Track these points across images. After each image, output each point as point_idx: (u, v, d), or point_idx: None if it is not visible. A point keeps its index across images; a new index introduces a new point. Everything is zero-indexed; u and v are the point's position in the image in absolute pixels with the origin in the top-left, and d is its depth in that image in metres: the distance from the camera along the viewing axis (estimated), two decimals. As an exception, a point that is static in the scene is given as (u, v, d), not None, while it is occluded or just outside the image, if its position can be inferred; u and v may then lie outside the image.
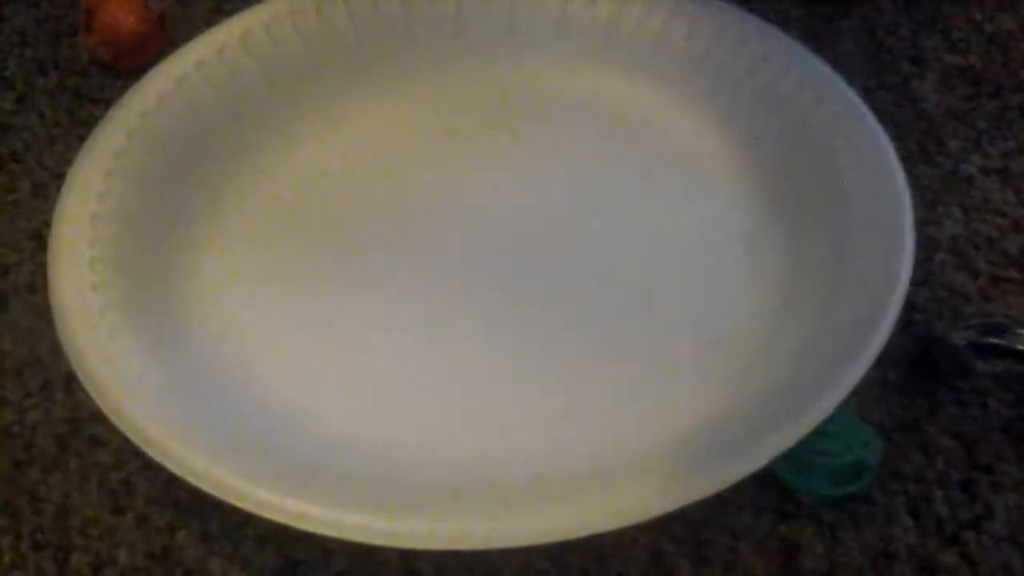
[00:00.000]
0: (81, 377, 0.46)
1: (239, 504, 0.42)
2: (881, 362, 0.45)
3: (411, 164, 0.55)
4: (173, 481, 0.46)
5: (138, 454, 0.45)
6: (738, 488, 0.42)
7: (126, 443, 0.45)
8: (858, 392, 0.44)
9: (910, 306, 0.50)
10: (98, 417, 0.47)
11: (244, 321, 0.50)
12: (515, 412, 0.47)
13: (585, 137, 0.55)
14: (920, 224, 0.49)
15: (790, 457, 0.44)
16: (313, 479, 0.43)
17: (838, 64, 0.53)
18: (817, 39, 0.59)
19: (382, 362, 0.49)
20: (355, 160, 0.55)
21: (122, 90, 0.54)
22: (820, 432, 0.43)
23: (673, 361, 0.48)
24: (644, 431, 0.45)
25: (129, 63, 0.59)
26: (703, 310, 0.49)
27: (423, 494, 0.43)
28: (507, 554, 0.44)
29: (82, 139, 0.52)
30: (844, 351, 0.44)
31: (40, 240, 0.54)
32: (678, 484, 0.42)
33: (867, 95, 0.55)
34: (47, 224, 0.50)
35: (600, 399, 0.47)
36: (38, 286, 0.52)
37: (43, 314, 0.51)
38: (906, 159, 0.50)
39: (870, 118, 0.51)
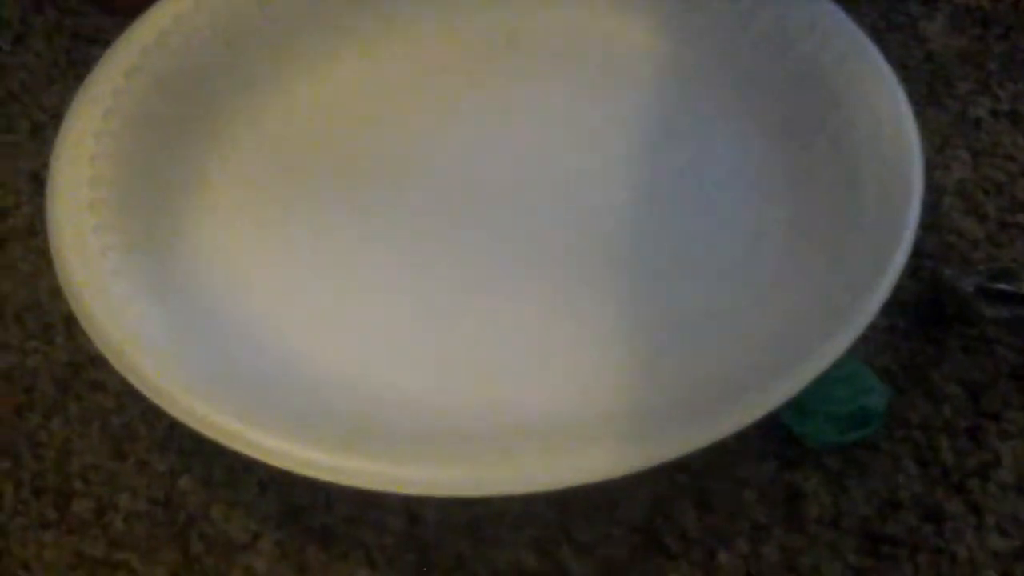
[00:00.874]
0: (81, 320, 0.45)
1: (241, 450, 0.42)
2: (888, 308, 0.45)
3: (408, 105, 0.54)
4: (175, 427, 0.46)
5: (139, 399, 0.44)
6: (742, 435, 0.42)
7: (127, 388, 0.44)
8: (865, 339, 0.44)
9: (917, 251, 0.49)
10: (99, 361, 0.47)
11: (246, 264, 0.49)
12: (517, 358, 0.46)
13: (582, 79, 0.54)
14: (928, 168, 0.49)
15: (795, 404, 0.44)
16: (316, 425, 0.43)
17: (846, 4, 0.53)
18: (825, -22, 0.58)
19: (385, 309, 0.48)
20: (353, 99, 0.54)
21: (119, 29, 0.53)
22: (826, 379, 0.43)
23: (675, 308, 0.47)
24: (645, 377, 0.45)
25: (126, 1, 0.58)
26: (706, 255, 0.49)
27: (426, 440, 0.43)
28: (510, 500, 0.44)
29: (80, 79, 0.52)
30: (850, 297, 0.44)
31: (39, 182, 0.53)
32: (681, 431, 0.41)
33: (875, 36, 0.55)
34: (45, 165, 0.50)
35: (600, 345, 0.47)
36: (37, 228, 0.52)
37: (43, 257, 0.50)
38: (914, 102, 0.49)
39: (879, 59, 0.50)
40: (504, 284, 0.48)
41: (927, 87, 0.55)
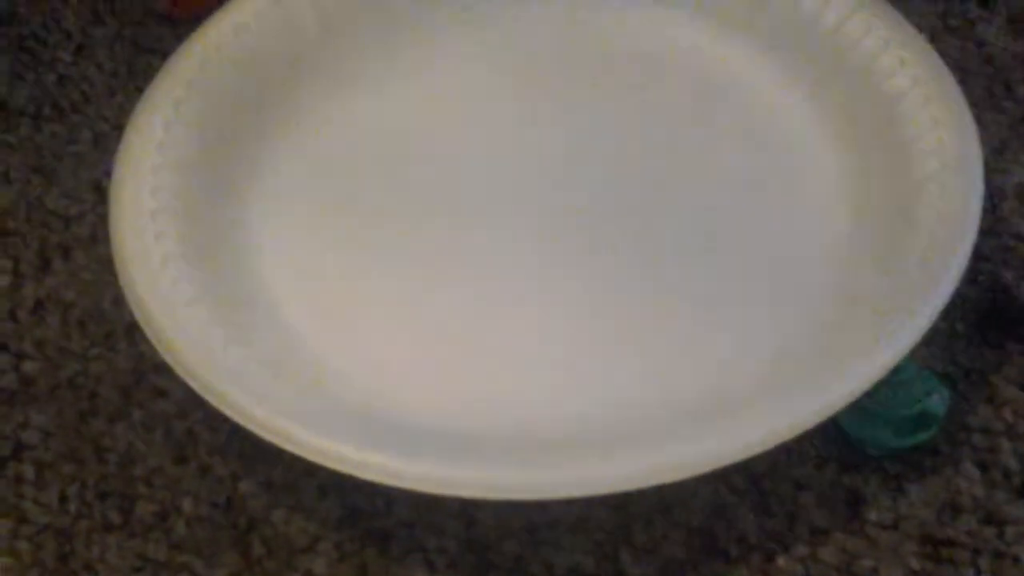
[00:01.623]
0: (144, 327, 0.46)
1: (301, 454, 0.43)
2: (948, 312, 0.44)
3: (477, 111, 0.54)
4: (236, 431, 0.46)
5: (201, 404, 0.45)
6: (802, 439, 0.42)
7: (189, 393, 0.45)
8: (924, 343, 0.44)
9: (976, 255, 0.49)
10: (161, 367, 0.47)
11: (307, 270, 0.50)
12: (576, 362, 0.47)
13: (646, 82, 0.54)
14: (987, 171, 0.48)
15: (855, 408, 0.43)
16: (375, 429, 0.44)
17: (904, 7, 0.52)
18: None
19: (444, 315, 0.48)
20: (417, 111, 0.54)
21: (179, 40, 0.54)
22: (885, 383, 0.43)
23: (732, 311, 0.47)
24: (703, 382, 0.45)
25: (186, 13, 0.58)
26: (765, 258, 0.49)
27: (486, 444, 0.43)
28: (568, 503, 0.44)
29: (140, 89, 0.53)
30: (910, 301, 0.44)
31: (101, 191, 0.54)
32: (740, 435, 0.42)
33: (933, 39, 0.54)
34: (108, 175, 0.50)
35: (656, 349, 0.47)
36: (100, 237, 0.53)
37: (106, 265, 0.51)
38: (973, 104, 0.49)
39: (938, 62, 0.50)
40: (561, 284, 0.49)
41: (985, 91, 0.55)
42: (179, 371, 0.45)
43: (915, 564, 0.43)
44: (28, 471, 0.47)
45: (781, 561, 0.43)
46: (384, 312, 0.48)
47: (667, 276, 0.49)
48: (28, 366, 0.49)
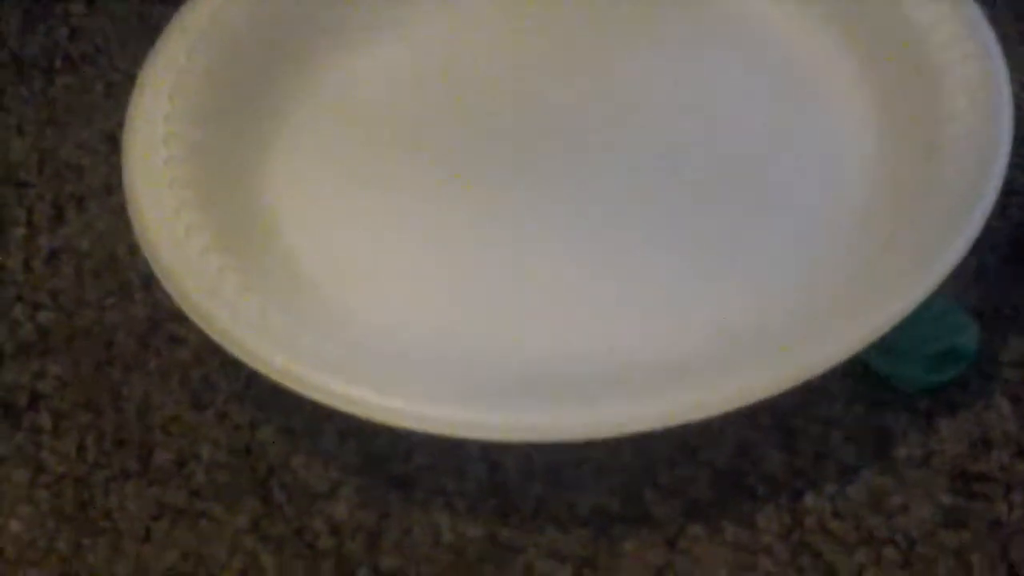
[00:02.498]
0: (159, 276, 0.45)
1: (320, 399, 0.42)
2: (977, 246, 0.43)
3: (501, 52, 0.53)
4: (254, 378, 0.46)
5: (218, 352, 0.44)
6: (829, 377, 0.41)
7: (206, 341, 0.44)
8: (954, 277, 0.43)
9: (1008, 189, 0.48)
10: (177, 316, 0.47)
11: (322, 217, 0.49)
12: (596, 302, 0.46)
13: (690, 38, 0.53)
14: (1018, 103, 0.47)
15: (883, 344, 0.43)
16: (394, 373, 0.43)
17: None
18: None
19: (464, 260, 0.48)
20: (439, 55, 0.54)
21: (192, -12, 0.53)
22: (915, 318, 0.42)
23: (757, 247, 0.46)
24: (728, 318, 0.44)
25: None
26: (790, 193, 0.48)
27: (507, 386, 0.42)
28: (592, 445, 0.44)
29: (153, 40, 0.52)
30: (940, 234, 0.43)
31: (114, 141, 0.53)
32: (766, 372, 0.41)
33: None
34: (121, 125, 0.50)
35: (680, 285, 0.46)
36: (114, 187, 0.52)
37: (120, 215, 0.50)
38: (1002, 38, 0.48)
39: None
40: (579, 223, 0.48)
41: (1015, 24, 0.54)
42: (195, 319, 0.44)
43: (946, 500, 0.42)
44: (45, 421, 0.46)
45: (809, 500, 0.43)
46: (401, 259, 0.48)
47: (691, 213, 0.48)
48: (43, 316, 0.49)
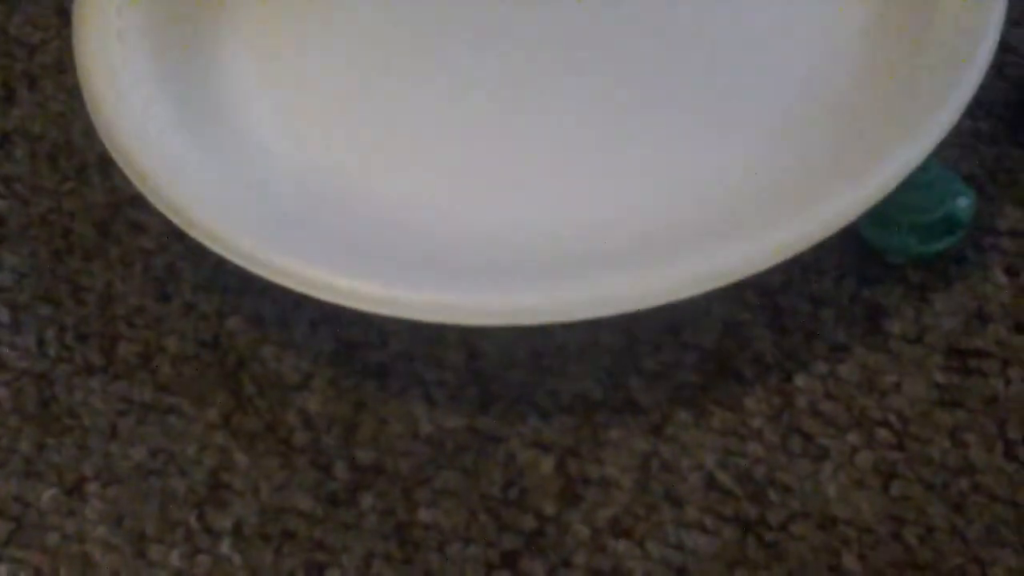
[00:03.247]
0: (117, 158, 0.43)
1: (290, 285, 0.40)
2: (973, 109, 0.41)
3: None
4: (220, 265, 0.44)
5: (182, 238, 0.42)
6: (818, 250, 0.40)
7: (169, 227, 0.43)
8: (948, 143, 0.41)
9: (1005, 47, 0.46)
10: (137, 200, 0.45)
11: (284, 91, 0.47)
12: (577, 182, 0.44)
13: None
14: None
15: (875, 214, 0.41)
16: (366, 257, 0.41)
17: None
18: None
19: (433, 135, 0.45)
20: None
21: None
22: (907, 185, 0.41)
23: (746, 115, 0.44)
24: (711, 194, 0.42)
25: None
26: (781, 58, 0.45)
27: (481, 269, 0.41)
28: (572, 329, 0.42)
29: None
30: (932, 96, 0.41)
31: (66, 16, 0.50)
32: (751, 245, 0.39)
33: None
34: (71, -2, 0.47)
35: (664, 157, 0.44)
36: (67, 65, 0.49)
37: (74, 95, 0.48)
38: None
39: None
40: (561, 103, 0.46)
41: None
42: (156, 203, 0.42)
43: (941, 378, 0.41)
44: (3, 314, 0.44)
45: (799, 380, 0.41)
46: (370, 134, 0.46)
47: (679, 81, 0.45)
48: (-3, 205, 0.47)
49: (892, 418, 0.40)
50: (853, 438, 0.40)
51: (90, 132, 0.46)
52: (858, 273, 0.43)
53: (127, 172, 0.43)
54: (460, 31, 0.48)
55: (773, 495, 0.40)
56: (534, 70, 0.46)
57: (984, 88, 0.41)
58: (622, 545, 0.39)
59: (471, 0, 0.48)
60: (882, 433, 0.40)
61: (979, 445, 0.40)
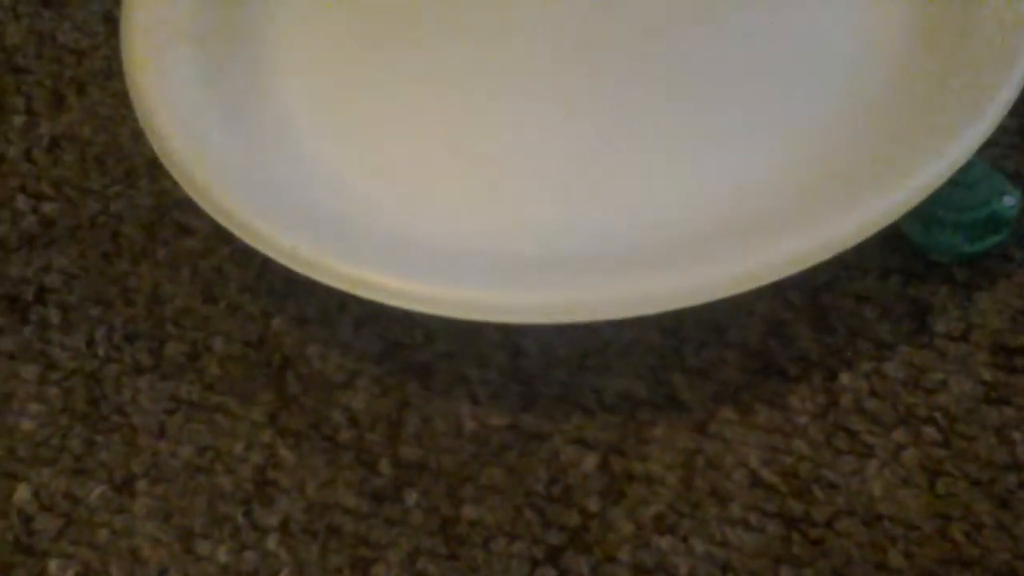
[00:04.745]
0: (164, 161, 0.44)
1: (335, 285, 0.40)
2: (1018, 107, 0.41)
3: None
4: (266, 266, 0.44)
5: (228, 240, 0.43)
6: (862, 249, 0.40)
7: (215, 229, 0.43)
8: (993, 141, 0.41)
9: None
10: (185, 203, 0.45)
11: (333, 98, 0.47)
12: (618, 182, 0.44)
13: None
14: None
15: (919, 212, 0.41)
16: (410, 256, 0.41)
17: None
18: None
19: (480, 137, 0.46)
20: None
21: None
22: (952, 184, 0.40)
23: (791, 111, 0.44)
24: (755, 189, 0.42)
25: None
26: (824, 59, 0.45)
27: (524, 268, 0.41)
28: (617, 327, 0.42)
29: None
30: (977, 95, 0.41)
31: (113, 23, 0.51)
32: (795, 244, 0.39)
33: None
34: (119, 4, 0.48)
35: (705, 159, 0.44)
36: (115, 71, 0.50)
37: (122, 99, 0.49)
38: None
39: None
40: (598, 104, 0.46)
41: None
42: (205, 207, 0.43)
43: (987, 375, 0.41)
44: (53, 315, 0.45)
45: (844, 378, 0.41)
46: (418, 134, 0.46)
47: (717, 89, 0.45)
48: (47, 207, 0.47)
49: (938, 415, 0.40)
50: (899, 435, 0.40)
51: (138, 136, 0.47)
52: (903, 271, 0.43)
53: (175, 175, 0.43)
54: (494, 33, 0.48)
55: (818, 492, 0.39)
56: (570, 71, 0.47)
57: (1029, 86, 0.41)
58: (666, 541, 0.39)
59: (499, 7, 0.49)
60: (928, 431, 0.40)
61: (1026, 442, 0.40)
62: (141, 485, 0.41)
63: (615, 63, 0.47)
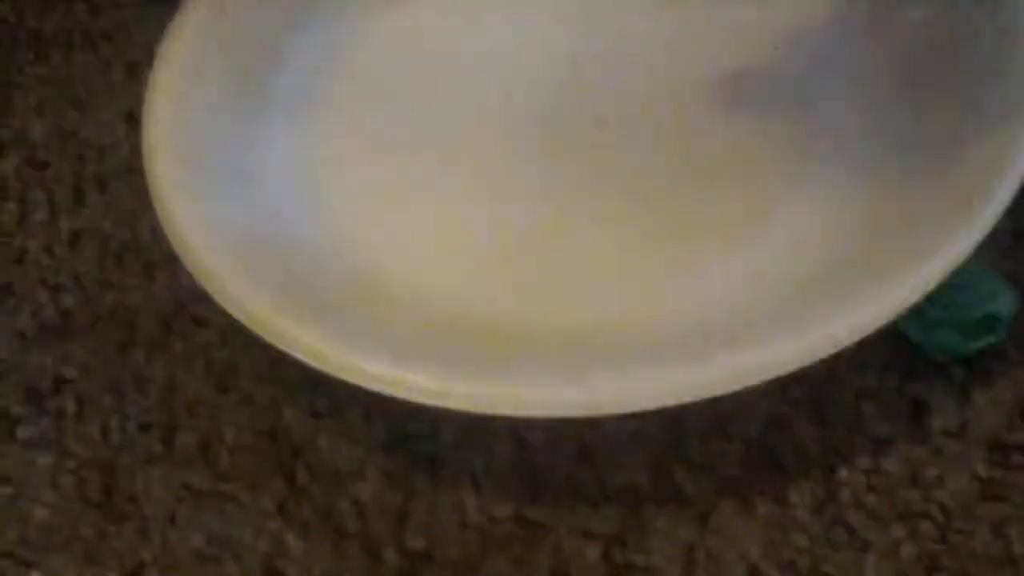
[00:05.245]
0: (182, 256, 0.45)
1: (345, 378, 0.41)
2: (1014, 209, 0.42)
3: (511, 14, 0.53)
4: (279, 358, 0.45)
5: (242, 333, 0.44)
6: (860, 347, 0.40)
7: (230, 323, 0.44)
8: (989, 243, 0.42)
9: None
10: (200, 297, 0.46)
11: (347, 194, 0.48)
12: (622, 275, 0.45)
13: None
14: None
15: (917, 312, 0.42)
16: (420, 351, 0.42)
17: None
18: None
19: (487, 230, 0.47)
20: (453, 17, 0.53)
21: (210, -37, 0.52)
22: (948, 284, 0.41)
23: (783, 213, 0.45)
24: (755, 287, 0.43)
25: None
26: (818, 157, 0.47)
27: (532, 363, 0.42)
28: (620, 421, 0.43)
29: (172, 15, 0.51)
30: (973, 197, 0.42)
31: (135, 121, 0.52)
32: (795, 342, 0.40)
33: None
34: (141, 103, 0.49)
35: (703, 254, 0.45)
36: (136, 167, 0.51)
37: (142, 195, 0.50)
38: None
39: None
40: (600, 198, 0.47)
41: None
42: (218, 299, 0.44)
43: (983, 472, 0.41)
44: (69, 405, 0.46)
45: (843, 474, 0.42)
46: (427, 227, 0.47)
47: (710, 182, 0.47)
48: (66, 299, 0.48)
49: (935, 511, 0.41)
50: (896, 530, 0.41)
51: (157, 232, 0.48)
52: (900, 368, 0.44)
53: (191, 269, 0.44)
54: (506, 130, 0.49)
55: (817, 586, 0.40)
56: (577, 164, 0.48)
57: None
58: (667, 633, 0.40)
59: (518, 113, 0.50)
60: (925, 526, 0.41)
61: (1022, 538, 0.40)
62: (151, 573, 0.42)
63: (613, 171, 0.48)
